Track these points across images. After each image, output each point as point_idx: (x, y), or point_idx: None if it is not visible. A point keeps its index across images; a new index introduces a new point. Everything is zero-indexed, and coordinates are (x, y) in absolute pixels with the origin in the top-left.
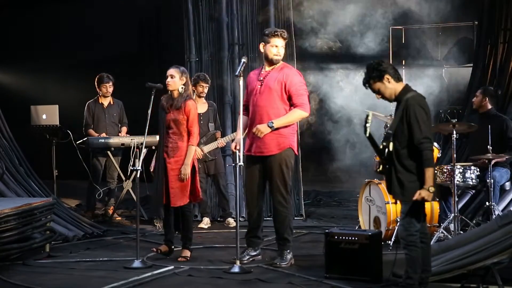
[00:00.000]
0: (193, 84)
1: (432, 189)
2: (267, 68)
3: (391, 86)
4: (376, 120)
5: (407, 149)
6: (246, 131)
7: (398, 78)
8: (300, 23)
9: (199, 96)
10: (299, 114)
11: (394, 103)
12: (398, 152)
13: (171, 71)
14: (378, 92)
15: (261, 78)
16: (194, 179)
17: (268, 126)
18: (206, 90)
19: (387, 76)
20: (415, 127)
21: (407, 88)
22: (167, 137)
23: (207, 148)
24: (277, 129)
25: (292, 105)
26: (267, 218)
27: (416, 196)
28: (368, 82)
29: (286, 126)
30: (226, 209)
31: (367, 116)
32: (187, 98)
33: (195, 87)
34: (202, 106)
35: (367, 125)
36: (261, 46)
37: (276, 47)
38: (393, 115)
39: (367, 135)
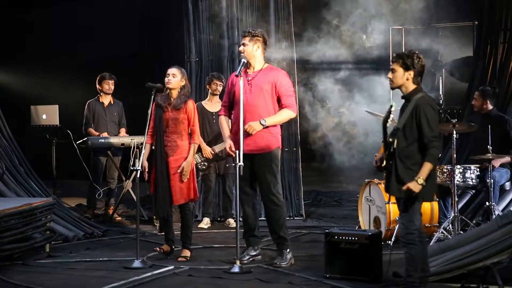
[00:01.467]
0: (207, 83)
1: (421, 181)
2: (254, 69)
3: (405, 81)
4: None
5: (412, 148)
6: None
7: (417, 82)
8: (300, 23)
9: (214, 94)
10: (288, 114)
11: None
12: (402, 149)
13: (173, 70)
14: (392, 72)
15: (249, 78)
16: (193, 178)
17: (261, 123)
18: (220, 88)
19: (410, 72)
20: (425, 126)
21: (418, 89)
22: (165, 136)
23: (218, 148)
24: (267, 127)
25: (280, 105)
26: (263, 218)
27: (404, 187)
28: (396, 60)
29: (274, 125)
30: (228, 210)
31: (391, 106)
32: (187, 98)
33: (209, 85)
34: (216, 105)
35: (390, 115)
36: None
37: (242, 45)
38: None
39: (387, 125)
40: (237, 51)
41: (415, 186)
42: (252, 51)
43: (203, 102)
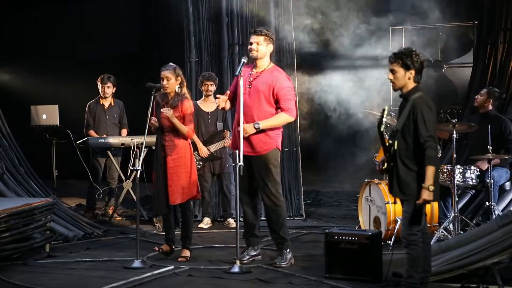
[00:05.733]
0: (199, 85)
1: (431, 187)
2: (258, 69)
3: (406, 80)
4: (375, 118)
5: (411, 148)
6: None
7: (417, 81)
8: (299, 23)
9: (207, 95)
10: (285, 118)
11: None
12: (402, 150)
13: (166, 73)
14: (393, 73)
15: (251, 79)
16: (193, 176)
17: (254, 127)
18: (212, 88)
19: (412, 71)
20: (421, 125)
21: (417, 88)
22: (163, 135)
23: (214, 147)
24: (263, 130)
25: (278, 108)
26: (264, 218)
27: (419, 201)
28: (395, 60)
29: (272, 129)
30: (227, 209)
31: (384, 110)
32: (183, 97)
33: (201, 87)
34: (210, 105)
35: (383, 119)
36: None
37: (251, 43)
38: (392, 115)
39: (381, 129)
40: (237, 51)
41: (428, 195)
42: (266, 51)
43: (198, 102)
